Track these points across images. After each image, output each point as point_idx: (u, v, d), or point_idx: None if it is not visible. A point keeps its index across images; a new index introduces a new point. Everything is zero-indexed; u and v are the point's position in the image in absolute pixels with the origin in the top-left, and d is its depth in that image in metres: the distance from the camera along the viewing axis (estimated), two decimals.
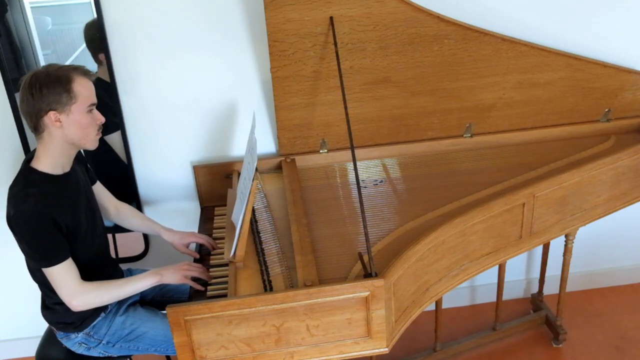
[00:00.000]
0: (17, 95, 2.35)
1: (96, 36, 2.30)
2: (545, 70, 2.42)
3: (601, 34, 2.52)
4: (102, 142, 2.47)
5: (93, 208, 2.05)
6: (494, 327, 2.85)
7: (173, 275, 1.96)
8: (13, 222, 1.81)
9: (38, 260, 1.85)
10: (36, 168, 1.86)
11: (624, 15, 2.51)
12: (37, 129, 1.83)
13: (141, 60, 2.38)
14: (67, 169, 1.93)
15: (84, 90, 1.82)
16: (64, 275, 1.85)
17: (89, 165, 2.15)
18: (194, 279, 2.00)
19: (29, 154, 1.94)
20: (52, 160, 1.87)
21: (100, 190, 2.19)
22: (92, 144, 1.90)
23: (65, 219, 1.85)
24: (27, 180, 1.84)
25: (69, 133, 1.83)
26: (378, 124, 2.46)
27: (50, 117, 1.79)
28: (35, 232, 1.80)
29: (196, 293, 1.98)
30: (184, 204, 2.67)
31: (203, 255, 2.20)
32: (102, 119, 1.91)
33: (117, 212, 2.25)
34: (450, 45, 2.28)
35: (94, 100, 1.87)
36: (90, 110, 1.86)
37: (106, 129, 2.37)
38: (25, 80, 1.80)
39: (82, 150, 2.05)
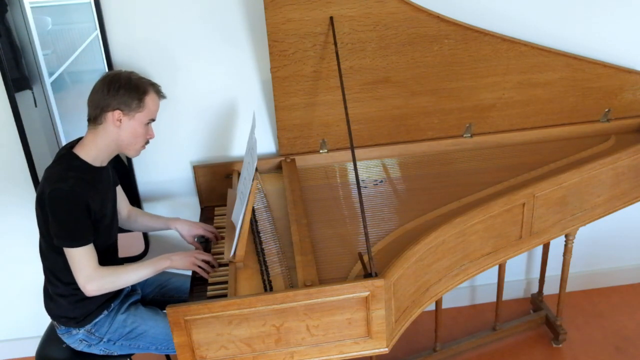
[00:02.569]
0: (18, 95, 2.35)
1: None
2: (545, 70, 2.42)
3: (601, 34, 2.52)
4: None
5: (114, 207, 2.12)
6: (494, 327, 2.85)
7: (183, 261, 2.02)
8: (47, 199, 1.86)
9: (64, 238, 1.88)
10: (79, 155, 1.96)
11: (624, 15, 2.51)
12: (96, 120, 1.94)
13: (141, 61, 2.38)
14: (105, 164, 2.02)
15: (152, 106, 1.98)
16: (85, 259, 1.90)
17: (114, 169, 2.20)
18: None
19: (68, 144, 2.03)
20: (96, 152, 1.97)
21: (120, 194, 2.23)
22: (135, 152, 2.02)
23: (95, 207, 1.93)
24: (69, 163, 1.94)
25: (122, 134, 1.95)
26: (378, 124, 2.46)
27: (114, 115, 1.92)
28: (68, 211, 1.86)
29: (196, 285, 2.01)
30: (184, 204, 2.67)
31: None
32: (154, 135, 2.04)
33: (128, 216, 2.29)
34: (450, 45, 2.28)
35: (155, 117, 2.01)
36: (148, 124, 1.99)
37: None
38: (108, 75, 1.96)
39: None
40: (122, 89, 1.91)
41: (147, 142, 2.03)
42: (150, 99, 1.95)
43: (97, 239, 1.96)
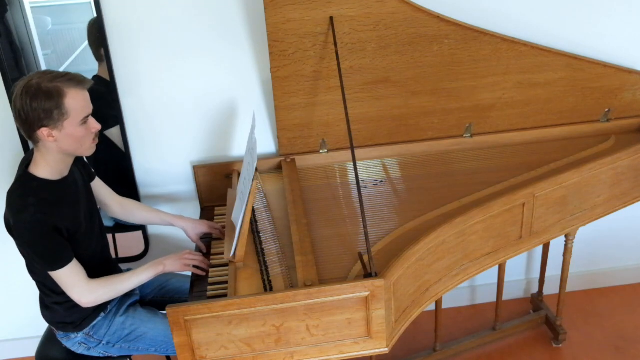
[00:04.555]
0: None
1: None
2: (545, 70, 2.42)
3: (601, 34, 2.52)
4: (102, 137, 2.47)
5: (92, 208, 2.06)
6: (494, 327, 2.85)
7: (175, 264, 2.00)
8: (14, 230, 1.82)
9: (43, 265, 1.86)
10: (34, 174, 1.85)
11: (624, 15, 2.51)
12: (32, 139, 1.81)
13: (141, 61, 2.37)
14: (65, 173, 1.92)
15: (77, 104, 1.76)
16: (71, 277, 1.87)
17: (86, 161, 2.14)
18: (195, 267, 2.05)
19: (27, 156, 1.94)
20: (50, 168, 1.86)
21: (100, 187, 2.18)
22: (88, 151, 1.89)
23: (66, 223, 1.86)
24: (26, 187, 1.83)
25: (63, 146, 1.81)
26: (378, 124, 2.46)
27: (43, 133, 1.75)
28: (37, 240, 1.80)
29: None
30: (184, 204, 2.67)
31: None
32: (98, 127, 1.87)
33: (121, 207, 2.25)
34: (450, 45, 2.28)
35: (89, 111, 1.82)
36: (85, 122, 1.81)
37: (105, 123, 2.37)
38: (17, 90, 1.74)
39: None
40: (34, 102, 1.69)
41: (96, 136, 1.87)
42: (70, 99, 1.73)
43: (78, 249, 1.92)
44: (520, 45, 2.34)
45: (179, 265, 2.01)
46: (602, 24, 2.51)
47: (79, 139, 1.82)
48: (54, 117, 1.73)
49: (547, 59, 2.39)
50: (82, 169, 2.06)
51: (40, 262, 1.85)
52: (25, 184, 1.84)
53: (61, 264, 1.85)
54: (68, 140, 1.79)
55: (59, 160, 1.86)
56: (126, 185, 2.56)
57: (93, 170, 2.16)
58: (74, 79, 1.76)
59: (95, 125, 1.85)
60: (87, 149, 1.88)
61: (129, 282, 1.97)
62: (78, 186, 1.98)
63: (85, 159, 2.13)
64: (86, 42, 2.38)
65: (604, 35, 2.52)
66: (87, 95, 1.81)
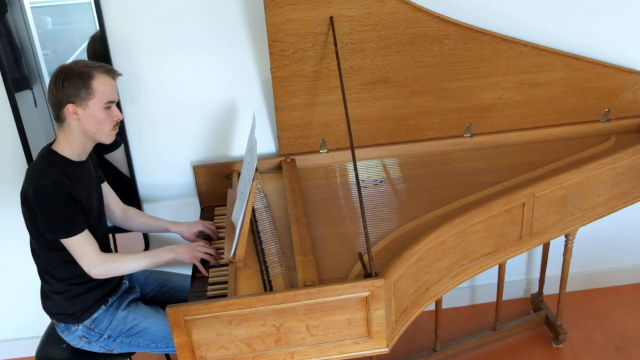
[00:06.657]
0: (18, 95, 2.36)
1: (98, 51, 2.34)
2: (545, 70, 2.42)
3: (601, 34, 2.52)
4: (103, 160, 2.48)
5: (101, 204, 2.12)
6: (494, 327, 2.85)
7: (186, 254, 2.05)
8: (32, 196, 1.87)
9: (57, 230, 1.90)
10: (56, 151, 1.96)
11: (624, 15, 2.51)
12: (58, 118, 1.94)
13: (141, 61, 2.38)
14: (83, 158, 2.02)
15: (104, 88, 1.91)
16: (84, 245, 1.93)
17: (98, 166, 2.19)
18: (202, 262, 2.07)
19: (51, 141, 2.04)
20: (70, 148, 1.97)
21: (107, 191, 2.24)
22: (107, 138, 1.99)
23: (82, 198, 1.94)
24: (48, 160, 1.95)
25: (85, 125, 1.93)
26: (378, 124, 2.46)
27: (69, 109, 1.90)
28: (55, 204, 1.88)
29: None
30: (184, 204, 2.67)
31: None
32: (120, 116, 1.99)
33: (124, 214, 2.30)
34: (450, 45, 2.28)
35: (114, 98, 1.95)
36: (108, 107, 1.94)
37: (108, 146, 2.38)
38: (54, 73, 1.92)
39: (93, 151, 2.10)
40: (66, 81, 1.88)
41: (116, 124, 1.99)
42: (98, 82, 1.89)
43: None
44: (520, 45, 2.34)
45: (189, 256, 2.04)
46: (602, 24, 2.51)
47: (100, 122, 1.93)
48: (81, 95, 1.88)
49: (547, 59, 2.39)
50: (96, 168, 2.14)
51: (54, 227, 1.90)
52: (47, 157, 1.96)
53: (75, 230, 1.90)
54: (90, 120, 1.92)
55: (80, 142, 1.97)
56: (127, 186, 2.56)
57: (103, 175, 2.23)
58: (103, 67, 1.94)
59: (117, 114, 1.98)
60: (107, 134, 1.98)
61: (140, 261, 2.01)
62: (92, 177, 2.07)
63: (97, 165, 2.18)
64: (86, 42, 2.38)
65: (604, 35, 2.53)
66: (114, 84, 1.96)
